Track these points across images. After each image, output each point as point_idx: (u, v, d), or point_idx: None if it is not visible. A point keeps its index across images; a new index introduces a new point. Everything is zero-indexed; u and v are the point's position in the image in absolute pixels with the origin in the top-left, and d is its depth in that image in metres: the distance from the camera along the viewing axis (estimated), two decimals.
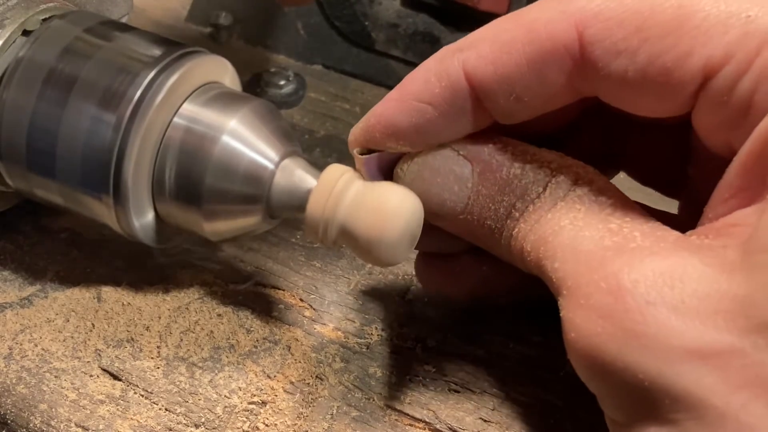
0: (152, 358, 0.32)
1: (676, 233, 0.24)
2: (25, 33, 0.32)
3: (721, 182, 0.24)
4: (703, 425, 0.21)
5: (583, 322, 0.23)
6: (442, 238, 0.30)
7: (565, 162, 0.27)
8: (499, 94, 0.26)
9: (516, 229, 0.27)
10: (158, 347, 0.32)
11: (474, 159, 0.28)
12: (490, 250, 0.29)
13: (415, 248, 0.31)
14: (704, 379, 0.21)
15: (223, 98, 0.31)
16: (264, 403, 0.30)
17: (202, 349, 0.32)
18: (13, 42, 0.32)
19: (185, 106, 0.31)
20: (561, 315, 0.24)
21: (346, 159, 0.30)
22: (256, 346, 0.32)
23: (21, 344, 0.32)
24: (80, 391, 0.31)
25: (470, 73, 0.26)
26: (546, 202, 0.26)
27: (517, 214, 0.27)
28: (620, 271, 0.23)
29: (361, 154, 0.29)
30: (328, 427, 0.30)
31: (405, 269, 0.36)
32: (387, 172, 0.30)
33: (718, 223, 0.24)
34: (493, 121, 0.27)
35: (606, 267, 0.23)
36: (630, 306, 0.22)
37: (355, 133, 0.29)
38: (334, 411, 0.30)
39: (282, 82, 0.47)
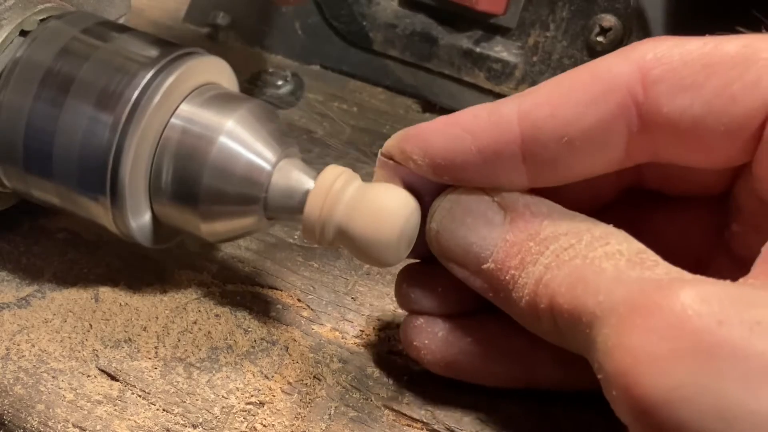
0: (150, 358, 0.32)
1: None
2: (23, 33, 0.32)
3: None
4: None
5: (642, 345, 0.21)
6: (439, 295, 0.30)
7: (600, 224, 0.26)
8: (550, 136, 0.25)
9: (547, 275, 0.25)
10: (156, 348, 0.32)
11: (508, 207, 0.27)
12: (503, 302, 0.27)
13: (410, 309, 0.30)
14: None
15: (220, 99, 0.31)
16: (262, 403, 0.30)
17: (200, 349, 0.32)
18: (11, 42, 0.32)
19: (182, 106, 0.31)
20: (607, 347, 0.22)
21: (344, 159, 0.30)
22: (253, 347, 0.32)
23: (18, 345, 0.32)
24: (78, 391, 0.31)
25: (524, 112, 0.25)
26: (583, 250, 0.25)
27: (546, 260, 0.25)
28: (682, 291, 0.21)
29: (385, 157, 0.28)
30: (326, 427, 0.30)
31: None
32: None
33: None
34: (525, 185, 0.27)
35: (664, 289, 0.21)
36: (698, 326, 0.20)
37: (393, 137, 0.28)
38: (332, 411, 0.30)
39: (280, 83, 0.47)
